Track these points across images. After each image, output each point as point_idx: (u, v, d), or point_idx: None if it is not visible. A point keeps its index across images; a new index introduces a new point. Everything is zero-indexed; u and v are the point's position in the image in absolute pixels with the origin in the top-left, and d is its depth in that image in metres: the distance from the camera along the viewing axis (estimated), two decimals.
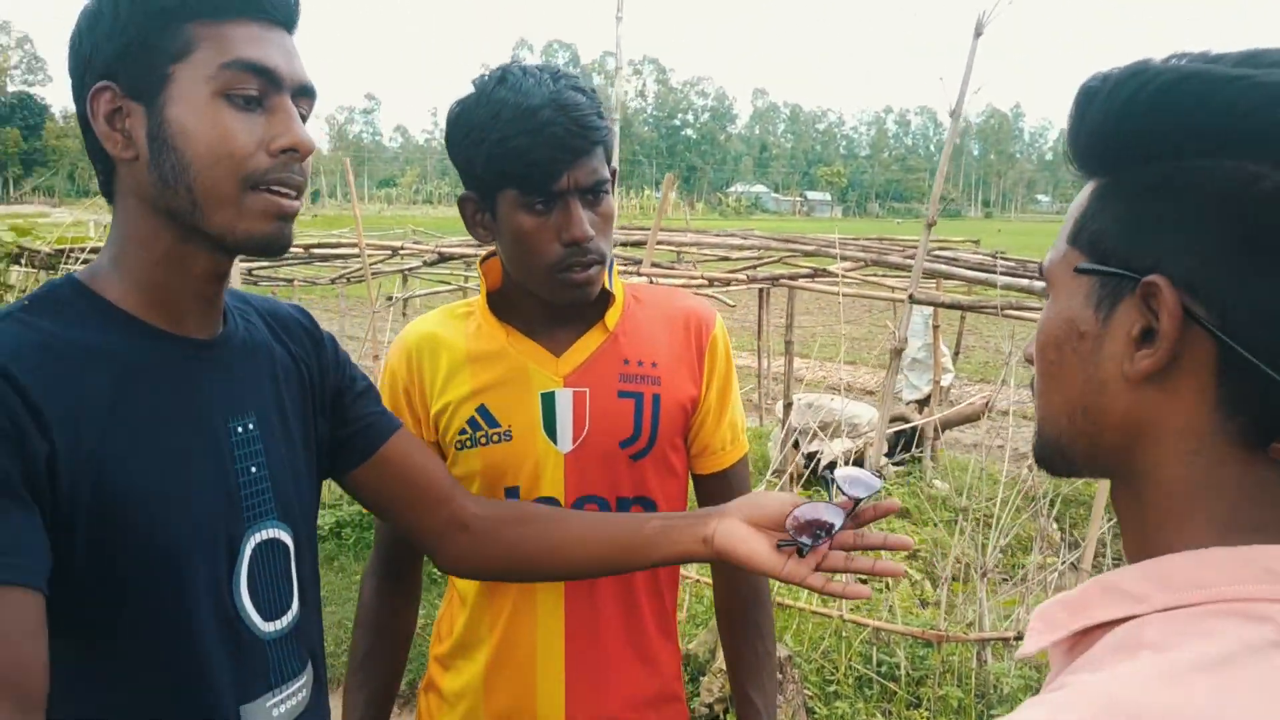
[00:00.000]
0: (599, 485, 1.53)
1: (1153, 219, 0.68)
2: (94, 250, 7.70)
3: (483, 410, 1.51)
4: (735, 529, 1.28)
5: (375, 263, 8.08)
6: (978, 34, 4.77)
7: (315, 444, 1.33)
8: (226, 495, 1.15)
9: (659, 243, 8.02)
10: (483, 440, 1.50)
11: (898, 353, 4.39)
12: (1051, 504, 4.94)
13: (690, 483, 1.69)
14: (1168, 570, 0.68)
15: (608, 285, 1.54)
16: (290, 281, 9.75)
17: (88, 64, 1.09)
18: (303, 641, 1.26)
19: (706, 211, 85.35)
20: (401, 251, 7.07)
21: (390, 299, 8.82)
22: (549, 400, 1.51)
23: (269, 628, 1.20)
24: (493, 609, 1.57)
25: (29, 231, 8.44)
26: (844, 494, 1.24)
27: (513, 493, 1.52)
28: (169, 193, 1.09)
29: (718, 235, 7.69)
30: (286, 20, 1.14)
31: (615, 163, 1.51)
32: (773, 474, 6.63)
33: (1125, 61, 0.72)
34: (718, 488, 1.65)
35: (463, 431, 1.51)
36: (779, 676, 3.88)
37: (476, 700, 1.59)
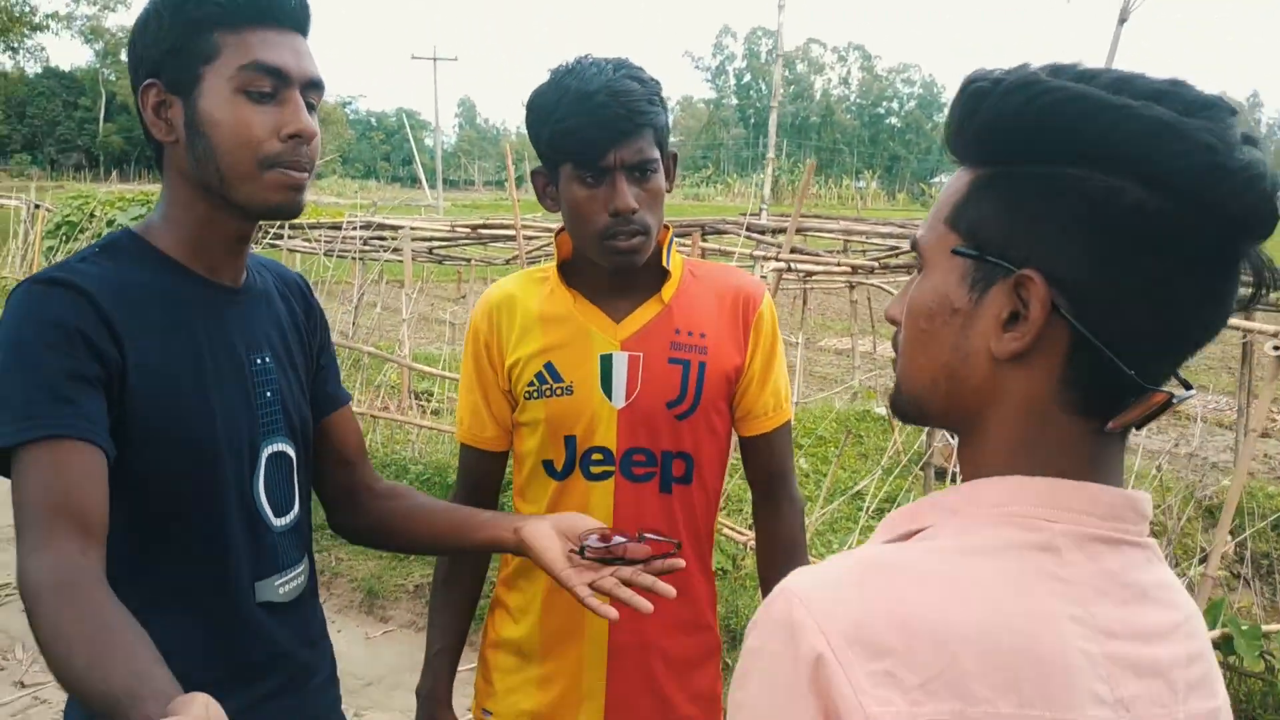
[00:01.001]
0: (646, 439, 1.71)
1: (1029, 217, 0.77)
2: (313, 225, 8.37)
3: (549, 366, 1.72)
4: (541, 528, 1.49)
5: (544, 245, 8.45)
6: (1122, 20, 4.66)
7: (309, 383, 1.60)
8: (249, 413, 1.43)
9: (808, 230, 8.05)
10: (547, 393, 1.72)
11: None
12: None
13: (734, 446, 1.86)
14: (979, 491, 0.81)
15: (665, 262, 1.74)
16: (468, 261, 10.24)
17: (140, 63, 1.35)
18: (301, 537, 1.54)
19: (908, 202, 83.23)
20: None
21: None
22: (607, 361, 1.70)
23: (279, 522, 1.48)
24: None
25: None
26: (646, 538, 1.50)
27: (570, 441, 1.72)
28: (202, 170, 1.35)
29: (873, 224, 7.65)
30: (298, 25, 1.38)
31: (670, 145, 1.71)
32: (921, 467, 6.58)
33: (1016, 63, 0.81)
34: (760, 450, 1.83)
35: (530, 384, 1.73)
36: None
37: (535, 617, 1.79)
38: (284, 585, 1.48)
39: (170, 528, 1.36)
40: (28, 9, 33.57)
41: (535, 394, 1.72)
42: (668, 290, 1.73)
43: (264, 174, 1.33)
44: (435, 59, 47.12)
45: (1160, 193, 0.72)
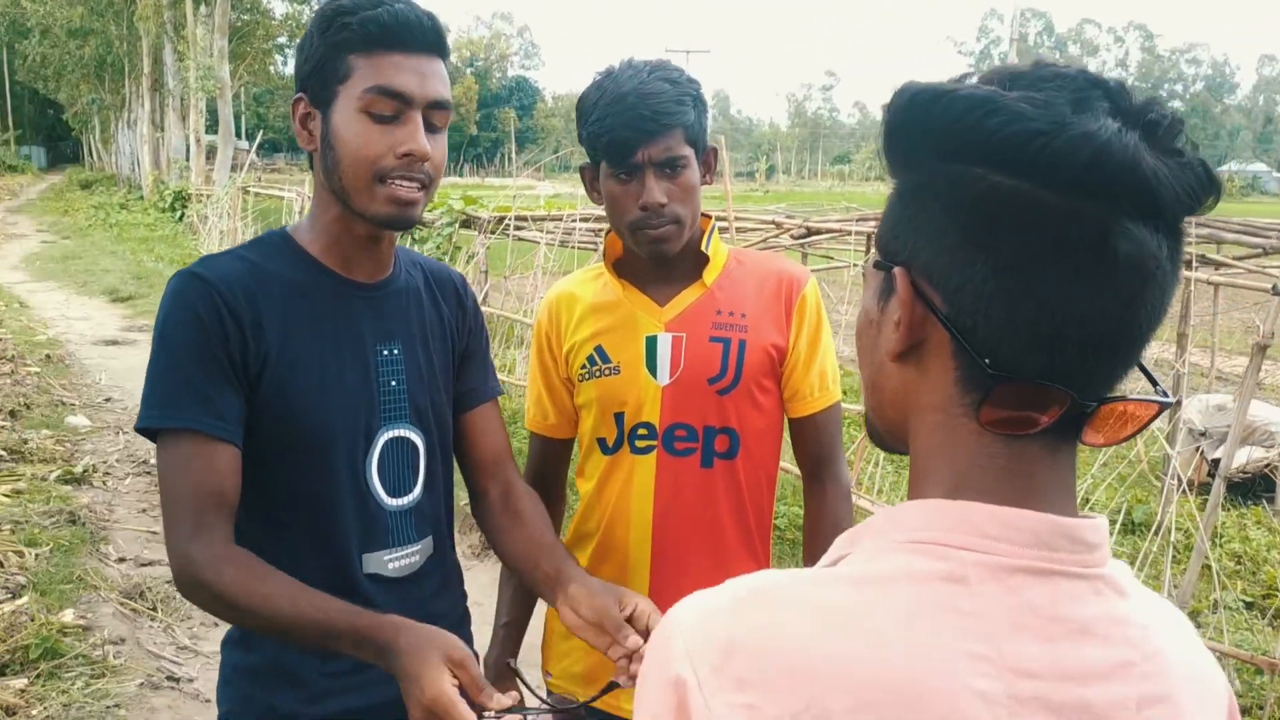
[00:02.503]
0: (690, 415, 1.80)
1: (907, 218, 0.76)
2: (538, 218, 8.71)
3: (599, 349, 1.85)
4: (568, 614, 1.53)
5: (762, 238, 8.42)
6: None
7: (452, 373, 1.70)
8: (367, 399, 1.54)
9: None
10: (598, 373, 1.85)
11: (1261, 349, 4.01)
12: None
13: (785, 424, 1.92)
14: (900, 515, 0.76)
15: (704, 248, 1.83)
16: None
17: (295, 77, 1.50)
18: (423, 518, 1.63)
19: None
20: (780, 225, 7.29)
21: None
22: (651, 342, 1.81)
23: (393, 502, 1.58)
24: (599, 508, 1.89)
25: (475, 201, 9.71)
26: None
27: (619, 417, 1.84)
28: (331, 179, 1.48)
29: None
30: (430, 47, 1.47)
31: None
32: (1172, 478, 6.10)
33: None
34: (807, 431, 1.91)
35: (583, 366, 1.86)
36: None
37: None
38: (395, 561, 1.58)
39: (284, 497, 1.50)
40: None
41: (587, 375, 1.86)
42: (709, 274, 1.82)
43: (378, 188, 1.44)
44: (688, 52, 47.98)
45: (998, 171, 0.69)
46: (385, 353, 1.57)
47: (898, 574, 0.71)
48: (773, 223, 7.47)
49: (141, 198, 31.55)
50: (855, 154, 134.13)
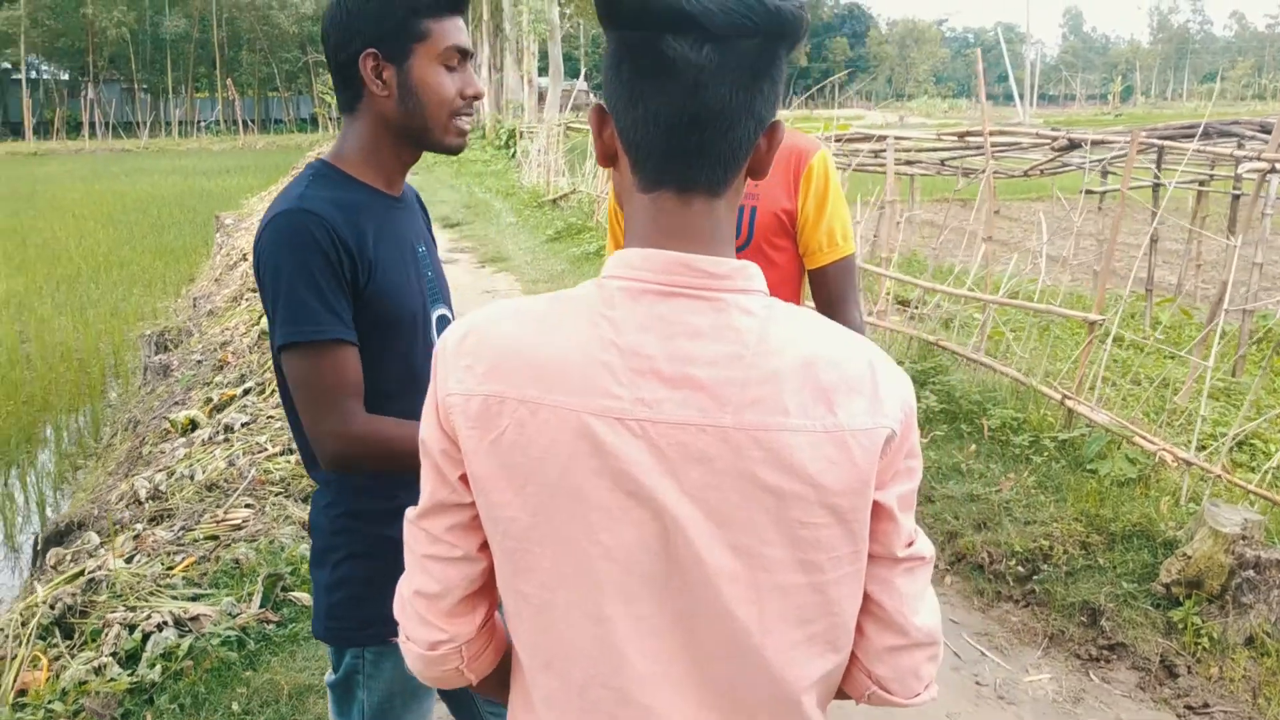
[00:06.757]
0: None
1: (603, 72, 1.11)
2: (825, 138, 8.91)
3: None
4: None
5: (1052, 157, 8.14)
6: None
7: None
8: (419, 287, 1.93)
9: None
10: None
11: None
12: None
13: (802, 279, 2.26)
14: (606, 264, 1.12)
15: None
16: (967, 173, 10.12)
17: (355, 35, 1.77)
18: None
19: None
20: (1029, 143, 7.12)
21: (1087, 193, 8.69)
22: None
23: None
24: None
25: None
26: None
27: None
28: (409, 118, 1.81)
29: None
30: (465, 8, 1.84)
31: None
32: None
33: None
34: (818, 282, 2.24)
35: None
36: (1259, 577, 3.66)
37: None
38: None
39: (383, 364, 1.89)
40: None
41: None
42: None
43: (451, 123, 1.82)
44: None
45: (613, 29, 1.04)
46: (419, 250, 1.95)
47: (577, 295, 1.09)
48: (1037, 134, 7.30)
49: (483, 136, 34.14)
50: (1230, 70, 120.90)
